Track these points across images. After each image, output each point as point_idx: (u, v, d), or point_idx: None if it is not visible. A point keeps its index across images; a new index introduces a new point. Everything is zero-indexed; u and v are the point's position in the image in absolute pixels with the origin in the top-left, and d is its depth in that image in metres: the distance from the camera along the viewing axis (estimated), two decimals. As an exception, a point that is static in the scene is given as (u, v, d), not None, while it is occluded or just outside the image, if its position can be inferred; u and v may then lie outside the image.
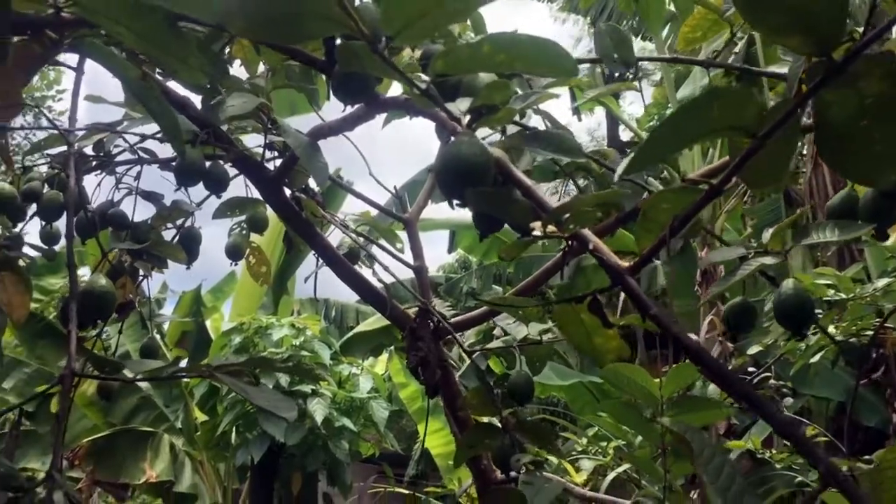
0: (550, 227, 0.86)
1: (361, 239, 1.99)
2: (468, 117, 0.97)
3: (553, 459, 4.54)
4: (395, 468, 8.41)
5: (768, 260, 1.05)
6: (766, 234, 1.08)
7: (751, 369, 4.46)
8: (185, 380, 6.20)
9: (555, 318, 0.93)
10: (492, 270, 9.08)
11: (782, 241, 1.08)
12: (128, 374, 1.13)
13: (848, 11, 0.74)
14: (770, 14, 0.73)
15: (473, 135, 0.88)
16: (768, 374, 4.00)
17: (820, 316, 2.83)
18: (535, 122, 1.50)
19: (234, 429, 5.27)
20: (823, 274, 2.69)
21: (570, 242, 0.89)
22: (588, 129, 17.29)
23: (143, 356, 2.23)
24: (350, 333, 7.14)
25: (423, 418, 5.53)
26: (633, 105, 17.63)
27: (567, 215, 0.87)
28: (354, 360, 5.67)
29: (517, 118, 1.23)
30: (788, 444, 0.86)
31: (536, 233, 0.86)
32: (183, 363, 1.46)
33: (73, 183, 1.33)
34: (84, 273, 2.02)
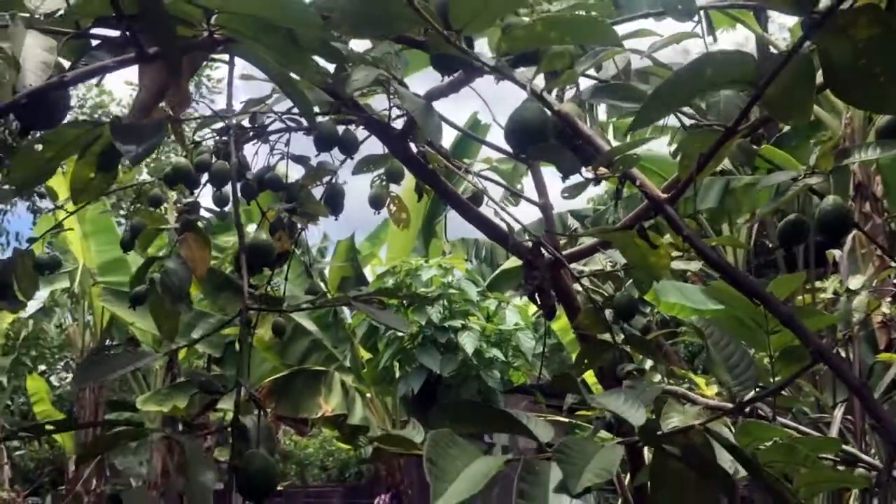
0: (603, 170, 1.06)
1: (481, 184, 2.21)
2: (536, 80, 1.17)
3: (693, 377, 4.67)
4: (554, 399, 8.67)
5: (814, 180, 1.20)
6: (813, 157, 1.22)
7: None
8: (349, 321, 6.71)
9: (616, 243, 1.14)
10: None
11: (829, 162, 1.22)
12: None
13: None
14: (757, -17, 0.89)
15: (534, 100, 1.08)
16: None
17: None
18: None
19: (394, 363, 5.70)
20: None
21: (621, 181, 1.08)
22: (737, 44, 16.57)
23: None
24: (497, 271, 7.44)
25: (577, 349, 5.75)
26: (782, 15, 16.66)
27: (616, 158, 1.06)
28: (500, 295, 5.97)
29: (595, 71, 1.42)
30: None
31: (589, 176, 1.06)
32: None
33: (234, 157, 1.62)
34: (251, 229, 2.36)
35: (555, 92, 1.29)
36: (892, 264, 4.95)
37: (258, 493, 1.08)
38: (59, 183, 6.44)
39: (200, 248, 2.34)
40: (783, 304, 0.95)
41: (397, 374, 5.77)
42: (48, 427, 1.21)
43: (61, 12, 1.16)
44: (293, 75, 1.42)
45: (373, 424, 6.95)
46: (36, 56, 1.03)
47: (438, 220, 7.43)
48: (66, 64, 1.20)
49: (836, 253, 4.46)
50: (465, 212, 2.14)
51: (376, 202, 2.51)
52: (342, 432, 6.70)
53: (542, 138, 1.02)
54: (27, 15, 1.11)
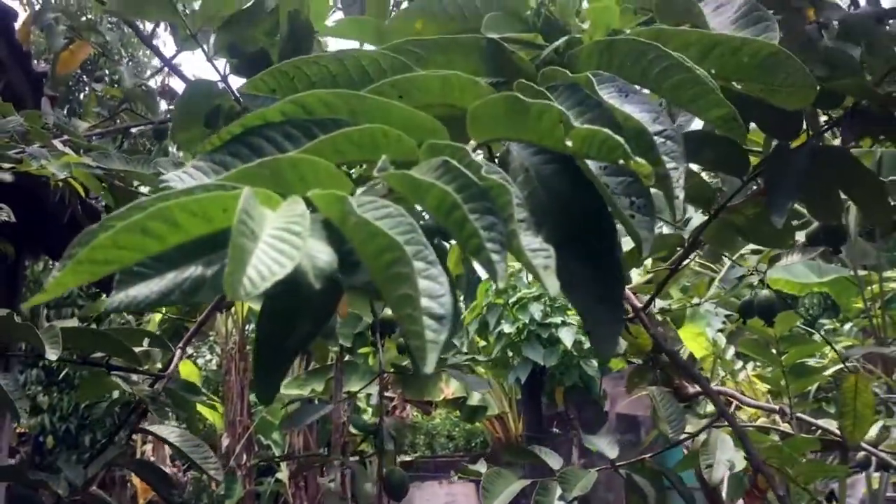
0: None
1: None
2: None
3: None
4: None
5: (754, 278, 1.78)
6: (753, 259, 1.79)
7: None
8: (462, 315, 7.45)
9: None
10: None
11: (766, 263, 1.79)
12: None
13: (712, 190, 1.46)
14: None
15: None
16: None
17: None
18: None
19: (506, 352, 6.36)
20: None
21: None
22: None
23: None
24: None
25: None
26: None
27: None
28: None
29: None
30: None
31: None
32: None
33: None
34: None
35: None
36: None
37: (398, 495, 1.77)
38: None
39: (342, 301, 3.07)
40: (693, 373, 1.55)
41: (512, 361, 6.42)
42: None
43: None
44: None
45: (491, 405, 7.66)
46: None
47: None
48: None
49: (906, 244, 4.78)
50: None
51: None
52: (463, 413, 7.44)
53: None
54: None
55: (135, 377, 1.47)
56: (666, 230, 1.57)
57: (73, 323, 1.36)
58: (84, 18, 4.76)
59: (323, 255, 0.52)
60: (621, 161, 0.60)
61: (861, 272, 5.41)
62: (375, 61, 0.76)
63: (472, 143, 0.72)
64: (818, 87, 1.22)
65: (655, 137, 0.71)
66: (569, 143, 0.62)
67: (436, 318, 0.49)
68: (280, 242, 0.48)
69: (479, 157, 0.60)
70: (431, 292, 0.49)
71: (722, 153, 1.35)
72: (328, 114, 0.66)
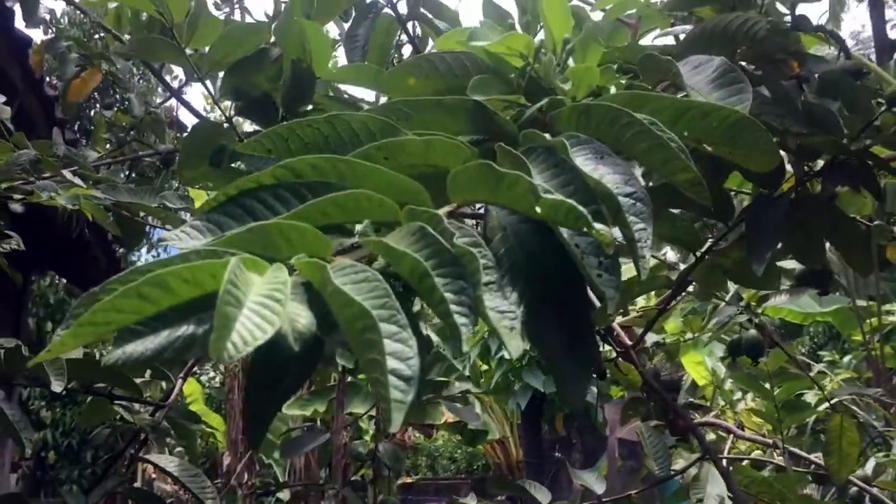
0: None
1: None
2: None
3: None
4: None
5: (743, 317, 1.82)
6: (744, 298, 1.83)
7: None
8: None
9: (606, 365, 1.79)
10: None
11: (755, 302, 1.83)
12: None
13: (699, 234, 1.51)
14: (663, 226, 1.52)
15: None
16: None
17: None
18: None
19: (508, 377, 6.39)
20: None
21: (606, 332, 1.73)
22: (852, 33, 16.29)
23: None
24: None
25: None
26: (901, 0, 16.21)
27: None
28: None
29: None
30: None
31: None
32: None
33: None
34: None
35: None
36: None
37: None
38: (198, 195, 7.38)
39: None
40: (679, 409, 1.58)
41: (513, 387, 6.45)
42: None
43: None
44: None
45: (492, 428, 7.68)
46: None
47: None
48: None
49: (907, 277, 4.81)
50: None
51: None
52: (464, 436, 7.45)
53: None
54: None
55: (137, 406, 1.52)
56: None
57: (78, 353, 1.42)
58: (96, 36, 4.84)
59: (302, 318, 0.57)
60: (585, 229, 0.65)
61: (862, 303, 5.42)
62: (364, 124, 0.81)
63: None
64: (798, 142, 1.27)
65: (625, 199, 0.75)
66: (538, 210, 0.67)
67: (403, 378, 0.53)
68: (263, 308, 0.53)
69: (452, 224, 0.65)
70: (400, 355, 0.54)
71: (706, 200, 1.39)
72: (317, 177, 0.71)
